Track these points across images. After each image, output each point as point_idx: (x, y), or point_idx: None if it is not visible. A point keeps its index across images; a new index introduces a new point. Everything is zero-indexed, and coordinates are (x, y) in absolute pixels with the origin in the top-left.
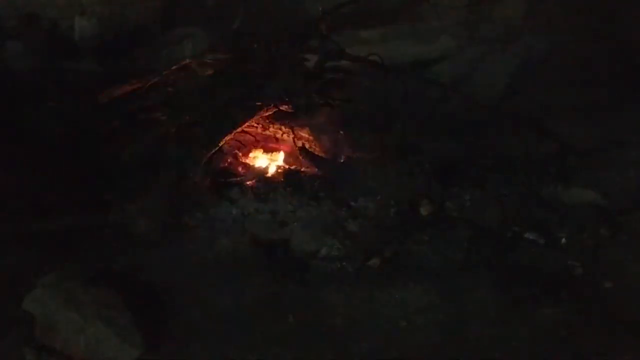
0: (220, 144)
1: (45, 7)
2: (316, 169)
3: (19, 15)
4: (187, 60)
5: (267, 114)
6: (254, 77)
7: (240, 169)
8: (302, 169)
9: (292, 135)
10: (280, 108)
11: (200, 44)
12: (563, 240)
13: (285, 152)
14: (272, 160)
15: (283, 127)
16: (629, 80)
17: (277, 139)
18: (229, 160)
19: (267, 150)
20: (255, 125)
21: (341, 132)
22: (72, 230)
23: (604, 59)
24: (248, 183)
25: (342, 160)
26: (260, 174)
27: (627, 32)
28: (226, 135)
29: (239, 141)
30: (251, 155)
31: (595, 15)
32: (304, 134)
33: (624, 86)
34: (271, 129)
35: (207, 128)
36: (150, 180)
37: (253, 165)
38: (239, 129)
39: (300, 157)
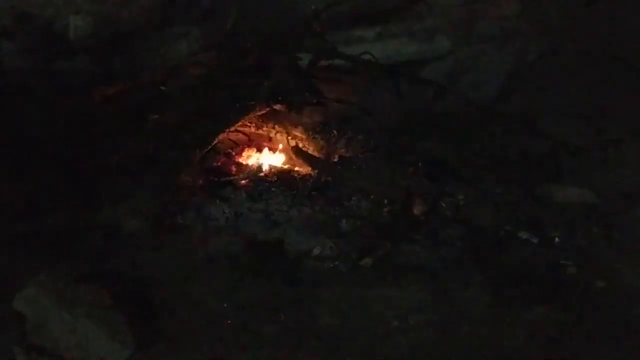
0: (213, 143)
1: (40, 6)
2: (309, 168)
3: (13, 14)
4: (181, 60)
5: (260, 113)
6: (247, 76)
7: (233, 168)
8: (296, 169)
9: (285, 135)
10: (274, 107)
11: (194, 43)
12: (556, 239)
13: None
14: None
15: (276, 126)
16: (623, 80)
17: (270, 138)
18: (222, 159)
19: (261, 149)
20: (249, 124)
21: (334, 131)
22: (63, 229)
23: (598, 58)
24: (241, 182)
25: (335, 160)
26: (254, 173)
27: (622, 32)
28: (219, 134)
29: (232, 140)
30: (244, 154)
31: (591, 15)
32: (298, 133)
33: (617, 86)
34: (264, 128)
35: (200, 127)
36: (142, 179)
37: (246, 165)
38: (232, 128)
39: (294, 156)
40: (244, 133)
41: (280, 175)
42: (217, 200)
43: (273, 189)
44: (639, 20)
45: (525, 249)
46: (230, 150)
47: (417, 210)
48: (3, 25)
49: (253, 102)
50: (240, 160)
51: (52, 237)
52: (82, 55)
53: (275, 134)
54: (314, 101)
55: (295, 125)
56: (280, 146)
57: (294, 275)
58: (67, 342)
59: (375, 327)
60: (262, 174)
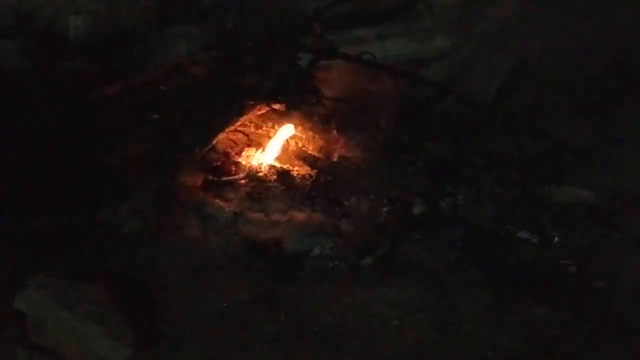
0: (212, 143)
1: (40, 6)
2: (309, 168)
3: (13, 14)
4: (181, 59)
5: (260, 112)
6: (247, 75)
7: (232, 167)
8: (295, 168)
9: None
10: (273, 107)
11: (194, 42)
12: (556, 239)
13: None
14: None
15: (276, 126)
16: (622, 79)
17: (270, 138)
18: (221, 159)
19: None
20: (248, 124)
21: (334, 131)
22: (64, 229)
23: (597, 58)
24: (241, 182)
25: (335, 159)
26: (253, 173)
27: (621, 32)
28: (219, 134)
29: (232, 140)
30: (244, 154)
31: (589, 15)
32: (297, 132)
33: (617, 85)
34: (264, 128)
35: (199, 127)
36: (142, 179)
37: (246, 164)
38: (232, 128)
39: (294, 156)
40: (243, 133)
41: (279, 175)
42: (217, 200)
43: (273, 189)
44: (638, 19)
45: (525, 248)
46: (229, 150)
47: (417, 210)
48: (3, 25)
49: (252, 102)
50: (240, 160)
51: (53, 236)
52: (82, 55)
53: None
54: (314, 101)
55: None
56: None
57: (294, 275)
58: (67, 342)
59: (375, 326)
60: (261, 174)
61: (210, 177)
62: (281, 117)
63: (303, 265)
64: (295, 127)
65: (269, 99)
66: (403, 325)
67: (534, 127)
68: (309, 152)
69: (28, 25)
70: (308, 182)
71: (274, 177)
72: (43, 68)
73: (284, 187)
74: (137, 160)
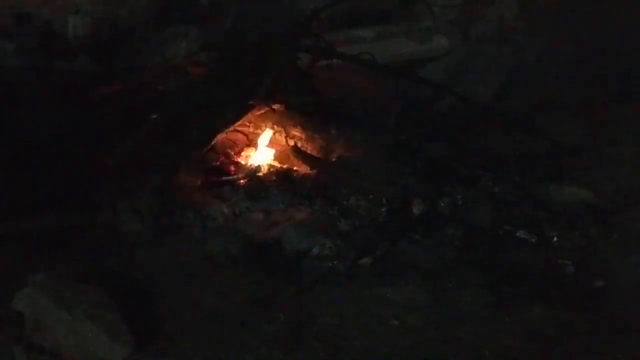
0: (212, 143)
1: (39, 6)
2: (308, 168)
3: (12, 14)
4: (180, 59)
5: (259, 112)
6: (246, 75)
7: (232, 168)
8: (294, 168)
9: (284, 134)
10: (273, 107)
11: (193, 42)
12: (555, 239)
13: (277, 151)
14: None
15: (275, 126)
16: (620, 79)
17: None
18: (220, 159)
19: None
20: (248, 124)
21: (333, 130)
22: (63, 229)
23: (595, 58)
24: (240, 182)
25: (334, 159)
26: (252, 173)
27: (618, 32)
28: (218, 134)
29: (231, 140)
30: (243, 154)
31: (588, 15)
32: (297, 132)
33: (615, 85)
34: (263, 128)
35: (198, 127)
36: (141, 179)
37: (245, 164)
38: (231, 128)
39: (293, 156)
40: (242, 133)
41: (279, 175)
42: (216, 200)
43: (272, 189)
44: (637, 19)
45: (523, 248)
46: (229, 150)
47: (415, 209)
48: (2, 25)
49: (252, 102)
50: (239, 160)
51: (52, 236)
52: (82, 55)
53: (275, 133)
54: (313, 101)
55: (294, 125)
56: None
57: (293, 274)
58: (66, 342)
59: (374, 326)
60: (260, 174)
61: (209, 177)
62: (281, 117)
63: (302, 265)
64: (295, 127)
65: (268, 99)
66: (402, 325)
67: (533, 126)
68: (309, 152)
69: (27, 24)
70: (307, 182)
71: (274, 177)
72: (42, 68)
73: (283, 187)
74: (137, 160)
